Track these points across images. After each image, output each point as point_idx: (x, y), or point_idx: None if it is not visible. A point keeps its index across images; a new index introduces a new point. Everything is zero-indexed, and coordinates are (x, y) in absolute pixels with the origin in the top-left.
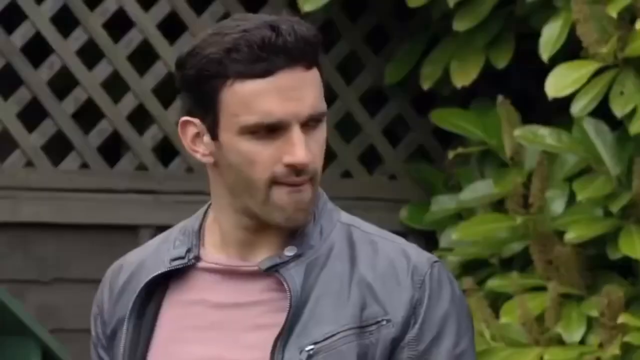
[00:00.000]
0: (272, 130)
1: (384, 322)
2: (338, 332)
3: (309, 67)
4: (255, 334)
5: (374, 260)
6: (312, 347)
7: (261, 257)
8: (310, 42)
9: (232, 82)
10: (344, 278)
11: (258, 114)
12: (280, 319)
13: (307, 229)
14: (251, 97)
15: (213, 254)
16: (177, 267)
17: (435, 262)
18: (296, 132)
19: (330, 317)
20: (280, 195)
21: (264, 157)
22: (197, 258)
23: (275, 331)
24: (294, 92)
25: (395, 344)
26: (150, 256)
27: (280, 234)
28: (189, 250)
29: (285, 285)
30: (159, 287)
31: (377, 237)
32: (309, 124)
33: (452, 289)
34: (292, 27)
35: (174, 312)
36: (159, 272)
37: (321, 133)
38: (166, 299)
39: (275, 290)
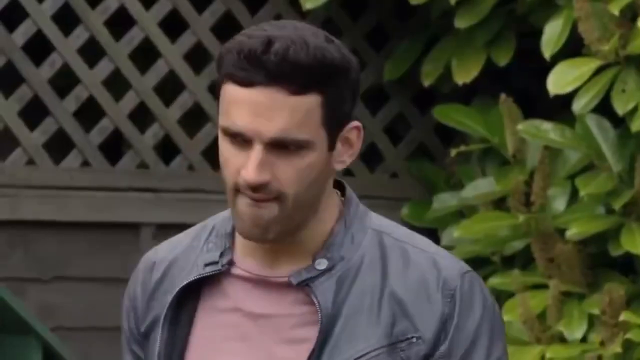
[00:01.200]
0: (244, 140)
1: (414, 339)
2: (370, 352)
3: (295, 92)
4: (285, 349)
5: (405, 272)
6: None
7: (287, 265)
8: (303, 68)
9: (223, 81)
10: (374, 292)
11: (229, 120)
12: (310, 333)
13: (337, 238)
14: (230, 101)
15: (243, 258)
16: (211, 273)
17: (466, 272)
18: (255, 150)
19: (362, 334)
20: (242, 204)
21: (233, 162)
22: (231, 262)
23: (305, 347)
24: (266, 111)
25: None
26: (183, 255)
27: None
28: (222, 255)
29: (315, 301)
30: (191, 291)
31: (409, 246)
32: (285, 147)
33: (484, 298)
34: (287, 48)
35: (208, 319)
36: (192, 278)
37: (301, 159)
38: (201, 304)
39: (305, 304)
